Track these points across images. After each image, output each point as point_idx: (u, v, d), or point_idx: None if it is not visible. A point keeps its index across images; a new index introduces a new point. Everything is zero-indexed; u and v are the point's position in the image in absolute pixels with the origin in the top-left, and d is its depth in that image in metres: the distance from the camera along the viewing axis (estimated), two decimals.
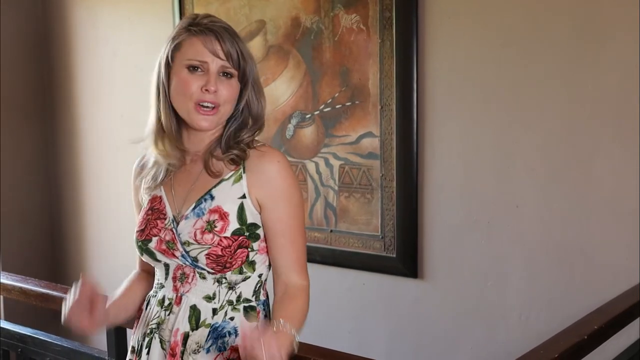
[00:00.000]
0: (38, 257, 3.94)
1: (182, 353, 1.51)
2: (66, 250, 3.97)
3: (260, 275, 1.55)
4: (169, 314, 1.54)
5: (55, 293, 2.37)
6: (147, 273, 1.69)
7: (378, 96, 2.72)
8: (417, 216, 2.69)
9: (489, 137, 2.54)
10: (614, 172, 2.31)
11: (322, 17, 2.84)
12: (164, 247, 1.53)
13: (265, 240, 1.53)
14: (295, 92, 2.95)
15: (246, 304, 1.53)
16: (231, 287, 1.52)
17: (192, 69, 1.48)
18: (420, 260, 2.72)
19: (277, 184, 1.51)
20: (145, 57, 3.37)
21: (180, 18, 3.18)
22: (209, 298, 1.51)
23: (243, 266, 1.51)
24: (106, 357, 2.19)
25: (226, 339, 1.50)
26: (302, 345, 1.48)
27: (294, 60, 2.94)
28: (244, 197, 1.50)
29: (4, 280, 2.51)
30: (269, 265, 1.56)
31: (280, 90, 2.98)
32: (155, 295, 1.59)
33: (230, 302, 1.52)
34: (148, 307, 1.60)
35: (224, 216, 1.49)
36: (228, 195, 1.51)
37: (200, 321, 1.51)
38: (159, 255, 1.54)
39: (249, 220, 1.50)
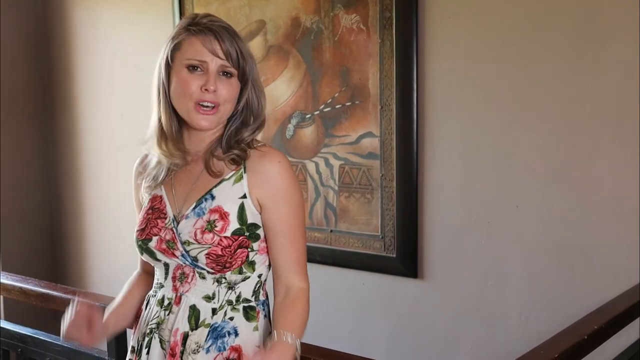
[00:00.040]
0: (38, 257, 3.94)
1: (182, 353, 1.50)
2: (66, 250, 3.97)
3: (260, 276, 1.55)
4: (168, 314, 1.54)
5: (55, 293, 2.37)
6: (148, 274, 1.69)
7: (378, 96, 2.72)
8: (417, 216, 2.69)
9: (489, 137, 2.54)
10: (614, 172, 2.31)
11: (322, 17, 2.84)
12: (164, 246, 1.53)
13: (266, 240, 1.53)
14: (295, 92, 2.96)
15: (246, 304, 1.53)
16: (231, 287, 1.52)
17: (192, 68, 1.48)
18: (420, 260, 2.72)
19: (277, 184, 1.51)
20: (145, 57, 3.38)
21: (180, 18, 3.18)
22: (209, 298, 1.51)
23: (243, 266, 1.51)
24: (106, 357, 2.19)
25: (226, 338, 1.50)
26: (302, 345, 1.49)
27: (294, 60, 2.94)
28: (244, 197, 1.50)
29: (4, 280, 2.52)
30: (269, 265, 1.56)
31: (280, 90, 2.98)
32: (155, 295, 1.59)
33: (229, 302, 1.52)
34: (148, 307, 1.60)
35: (224, 216, 1.49)
36: (229, 195, 1.51)
37: (200, 321, 1.51)
38: (159, 255, 1.54)
39: (250, 220, 1.50)
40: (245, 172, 1.51)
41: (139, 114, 3.40)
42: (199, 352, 1.49)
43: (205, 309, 1.51)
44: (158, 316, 1.56)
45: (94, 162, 3.78)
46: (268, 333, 1.55)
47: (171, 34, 1.53)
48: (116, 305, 1.67)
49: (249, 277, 1.53)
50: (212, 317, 1.51)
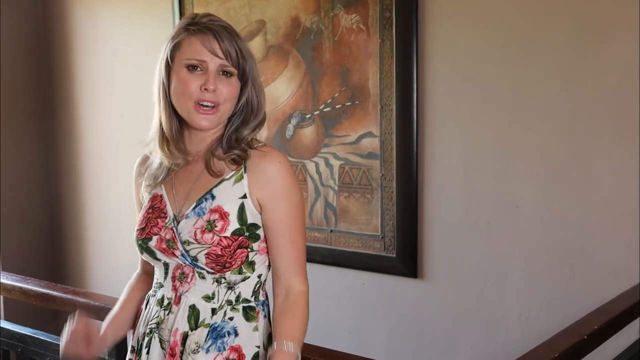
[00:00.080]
0: (38, 257, 3.94)
1: (182, 353, 1.51)
2: (66, 250, 3.97)
3: (259, 276, 1.55)
4: (168, 314, 1.54)
5: (55, 293, 2.37)
6: (148, 275, 1.69)
7: (378, 96, 2.72)
8: (417, 216, 2.69)
9: (489, 137, 2.54)
10: (614, 172, 2.31)
11: (322, 17, 2.84)
12: (164, 245, 1.53)
13: (265, 240, 1.53)
14: (295, 92, 2.96)
15: (245, 304, 1.53)
16: (230, 287, 1.52)
17: (191, 68, 1.48)
18: (420, 260, 2.72)
19: (277, 184, 1.51)
20: (145, 57, 3.38)
21: (180, 18, 3.18)
22: (208, 298, 1.51)
23: (242, 266, 1.51)
24: (106, 357, 2.19)
25: (225, 338, 1.50)
26: (302, 345, 1.49)
27: (294, 60, 2.94)
28: (244, 197, 1.50)
29: (4, 280, 2.52)
30: (269, 265, 1.56)
31: (280, 90, 2.98)
32: (155, 295, 1.59)
33: (229, 302, 1.52)
34: (147, 307, 1.60)
35: (224, 216, 1.49)
36: (229, 195, 1.51)
37: (199, 321, 1.51)
38: (158, 254, 1.54)
39: (249, 220, 1.50)
40: (245, 172, 1.51)
41: (139, 114, 3.41)
42: (198, 352, 1.49)
43: (204, 309, 1.51)
44: (158, 316, 1.56)
45: (94, 162, 3.78)
46: (268, 333, 1.55)
47: (171, 34, 1.53)
48: (115, 313, 1.68)
49: (248, 277, 1.53)
50: (211, 317, 1.51)
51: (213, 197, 1.51)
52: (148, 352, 1.55)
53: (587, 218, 2.37)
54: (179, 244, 1.50)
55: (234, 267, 1.49)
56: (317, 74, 2.88)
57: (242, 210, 1.50)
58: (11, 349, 2.41)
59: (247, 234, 1.50)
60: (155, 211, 1.56)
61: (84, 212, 3.86)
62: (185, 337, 1.51)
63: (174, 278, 1.54)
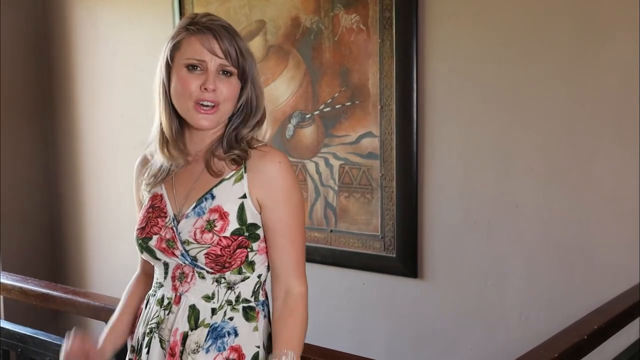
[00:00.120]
0: (38, 257, 3.94)
1: (182, 353, 1.51)
2: (66, 250, 3.97)
3: (259, 276, 1.55)
4: (168, 314, 1.54)
5: (55, 293, 2.37)
6: (147, 276, 1.69)
7: (378, 96, 2.72)
8: (417, 216, 2.69)
9: (489, 137, 2.54)
10: (614, 172, 2.31)
11: (322, 17, 2.84)
12: (164, 245, 1.53)
13: (265, 240, 1.53)
14: (295, 92, 2.96)
15: (245, 304, 1.53)
16: (230, 287, 1.52)
17: (191, 68, 1.48)
18: (420, 260, 2.72)
19: (277, 184, 1.51)
20: (145, 57, 3.38)
21: (181, 18, 3.18)
22: (208, 298, 1.51)
23: (242, 266, 1.51)
24: None
25: (225, 339, 1.50)
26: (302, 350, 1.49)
27: (294, 60, 2.94)
28: (244, 197, 1.50)
29: (4, 280, 2.51)
30: (269, 265, 1.56)
31: (280, 90, 2.98)
32: (155, 295, 1.59)
33: (229, 302, 1.52)
34: (147, 306, 1.60)
35: (223, 216, 1.49)
36: (229, 194, 1.51)
37: (199, 321, 1.51)
38: (158, 254, 1.54)
39: (249, 220, 1.50)
40: (245, 172, 1.51)
41: (139, 114, 3.41)
42: (198, 352, 1.49)
43: (204, 308, 1.51)
44: (158, 316, 1.56)
45: (94, 162, 3.78)
46: (268, 333, 1.55)
47: (171, 34, 1.53)
48: (113, 323, 1.69)
49: (248, 277, 1.53)
50: (211, 317, 1.51)
51: (213, 197, 1.51)
52: (148, 352, 1.55)
53: (587, 218, 2.37)
54: (178, 244, 1.50)
55: (233, 267, 1.49)
56: (317, 74, 2.88)
57: (241, 210, 1.50)
58: (11, 349, 2.41)
59: (246, 234, 1.50)
60: (155, 210, 1.56)
61: (84, 212, 3.86)
62: (185, 337, 1.51)
63: (173, 278, 1.54)
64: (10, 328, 2.42)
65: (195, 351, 1.49)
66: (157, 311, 1.56)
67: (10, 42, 3.72)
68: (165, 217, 1.54)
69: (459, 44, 2.56)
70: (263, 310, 1.56)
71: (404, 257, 2.73)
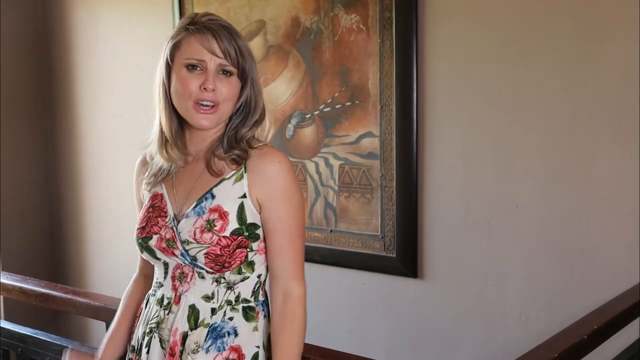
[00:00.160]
0: (38, 257, 3.94)
1: (182, 352, 1.51)
2: (66, 250, 3.97)
3: (259, 276, 1.55)
4: (168, 313, 1.54)
5: (55, 293, 2.37)
6: (146, 277, 1.69)
7: (378, 96, 2.72)
8: (417, 216, 2.69)
9: (489, 137, 2.54)
10: (614, 172, 2.31)
11: (322, 17, 2.84)
12: (164, 245, 1.53)
13: (265, 240, 1.53)
14: (295, 92, 2.96)
15: (245, 304, 1.53)
16: (230, 287, 1.52)
17: (191, 67, 1.48)
18: (420, 260, 2.72)
19: (277, 184, 1.51)
20: (145, 57, 3.38)
21: (181, 18, 3.18)
22: (208, 298, 1.51)
23: (242, 266, 1.51)
24: None
25: (225, 339, 1.50)
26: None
27: (294, 60, 2.94)
28: (244, 196, 1.50)
29: (4, 280, 2.51)
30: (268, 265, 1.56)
31: (280, 90, 2.98)
32: (155, 294, 1.59)
33: (229, 302, 1.52)
34: (147, 306, 1.60)
35: (223, 215, 1.49)
36: (229, 194, 1.51)
37: (199, 321, 1.51)
38: (158, 254, 1.54)
39: (249, 220, 1.50)
40: (245, 171, 1.51)
41: (139, 114, 3.41)
42: (198, 352, 1.49)
43: (204, 308, 1.51)
44: (158, 315, 1.56)
45: (94, 162, 3.78)
46: (268, 333, 1.55)
47: (171, 34, 1.53)
48: (111, 333, 1.69)
49: (248, 277, 1.53)
50: (211, 317, 1.51)
51: (213, 197, 1.51)
52: (148, 352, 1.55)
53: (587, 218, 2.37)
54: (178, 244, 1.50)
55: (233, 267, 1.49)
56: (317, 74, 2.88)
57: (241, 210, 1.50)
58: (11, 349, 2.41)
59: (246, 233, 1.50)
60: (155, 210, 1.57)
61: (84, 212, 3.86)
62: (185, 336, 1.51)
63: (173, 277, 1.54)
64: (10, 328, 2.42)
65: (195, 351, 1.49)
66: (157, 311, 1.56)
67: (10, 42, 3.72)
68: (166, 217, 1.54)
69: (459, 44, 2.56)
70: (263, 310, 1.56)
71: (404, 257, 2.73)
